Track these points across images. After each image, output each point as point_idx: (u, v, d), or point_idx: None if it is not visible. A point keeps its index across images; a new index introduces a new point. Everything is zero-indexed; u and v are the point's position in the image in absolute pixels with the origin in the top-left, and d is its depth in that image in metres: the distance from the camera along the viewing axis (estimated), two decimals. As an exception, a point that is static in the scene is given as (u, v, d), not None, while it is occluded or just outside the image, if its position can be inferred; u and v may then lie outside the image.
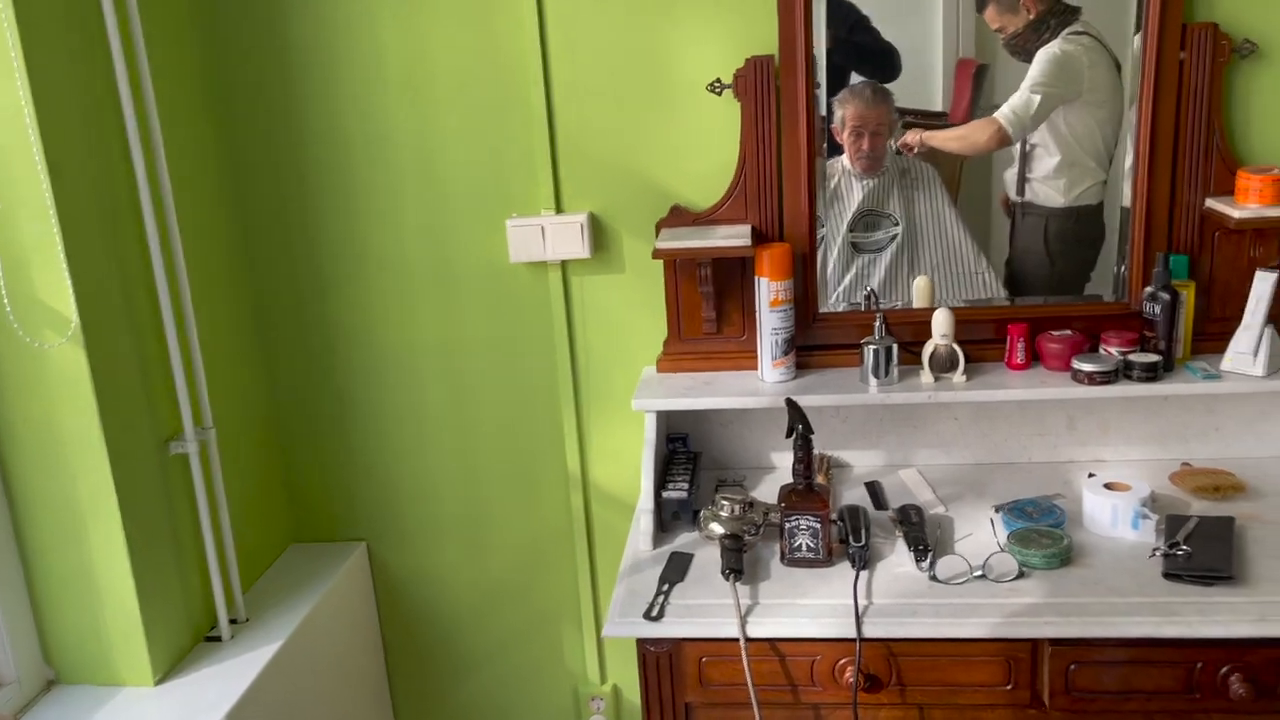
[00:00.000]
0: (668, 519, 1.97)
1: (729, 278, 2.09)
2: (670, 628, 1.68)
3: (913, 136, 2.10)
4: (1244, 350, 1.91)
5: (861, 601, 1.67)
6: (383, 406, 2.32)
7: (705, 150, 2.08)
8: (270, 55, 2.12)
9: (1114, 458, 2.11)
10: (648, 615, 1.69)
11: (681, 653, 1.71)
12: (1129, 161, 1.99)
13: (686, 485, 1.98)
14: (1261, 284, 1.90)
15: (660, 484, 1.99)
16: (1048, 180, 2.07)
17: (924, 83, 2.10)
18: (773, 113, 2.01)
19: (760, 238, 2.05)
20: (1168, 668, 1.60)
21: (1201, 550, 1.70)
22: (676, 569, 1.82)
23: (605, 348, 2.23)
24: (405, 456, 2.35)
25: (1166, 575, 1.67)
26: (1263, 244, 1.92)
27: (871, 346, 1.99)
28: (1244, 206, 1.87)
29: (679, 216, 2.09)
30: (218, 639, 2.02)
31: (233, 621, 2.06)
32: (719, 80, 2.02)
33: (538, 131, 2.11)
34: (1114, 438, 2.10)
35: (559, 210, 2.15)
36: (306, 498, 2.39)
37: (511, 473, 2.34)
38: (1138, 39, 1.93)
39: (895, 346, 1.99)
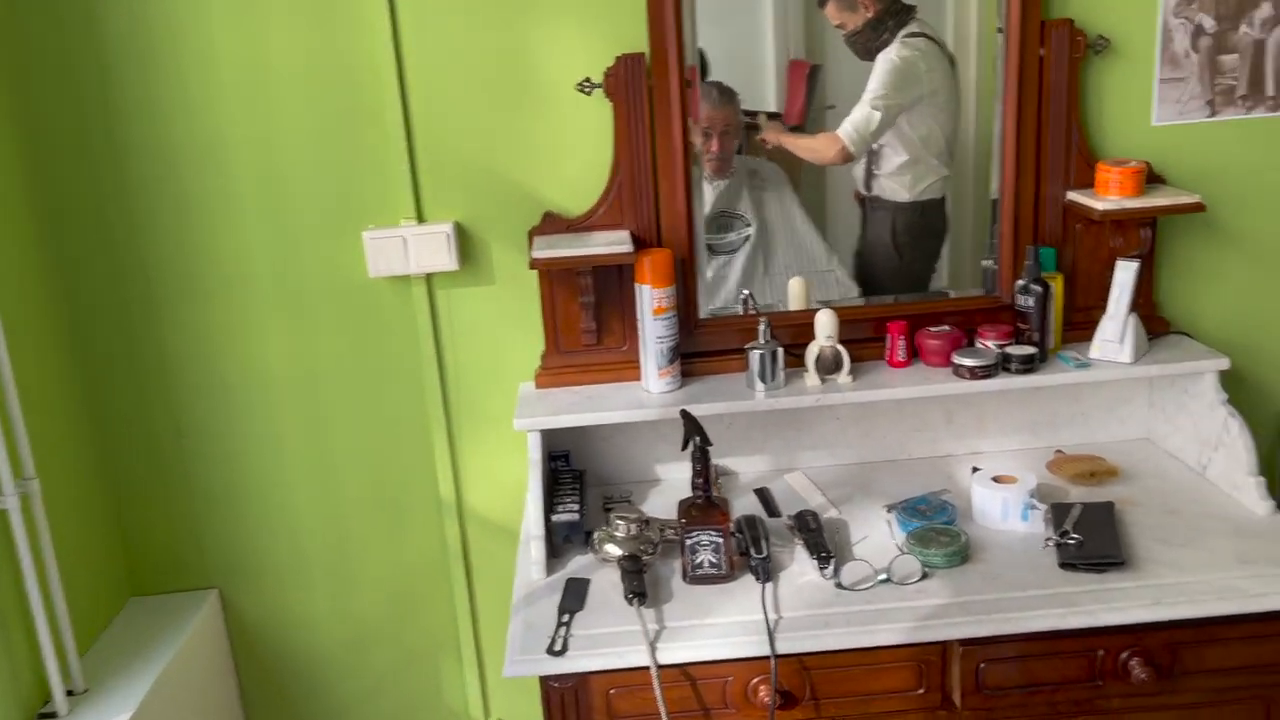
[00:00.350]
0: (559, 543, 1.87)
1: (608, 286, 2.00)
2: (576, 661, 1.58)
3: (771, 134, 2.07)
4: (1111, 338, 1.96)
5: (771, 616, 1.62)
6: (229, 440, 2.11)
7: (577, 153, 1.99)
8: (83, 57, 1.89)
9: (990, 449, 2.14)
10: (551, 650, 1.59)
11: (588, 687, 1.61)
12: (995, 158, 2.02)
13: (576, 506, 1.88)
14: (1123, 273, 1.96)
15: (547, 506, 1.88)
16: (893, 177, 2.08)
17: (756, 83, 2.08)
18: (646, 113, 1.93)
19: (638, 243, 1.97)
20: (1071, 658, 1.61)
21: (1090, 537, 1.73)
22: (574, 596, 1.72)
23: (477, 365, 2.10)
24: (258, 492, 2.15)
25: (1063, 565, 1.69)
26: (1122, 234, 1.98)
27: (757, 351, 1.94)
28: (1106, 198, 1.92)
29: (552, 223, 1.99)
30: (53, 716, 1.78)
31: (70, 694, 1.83)
32: (588, 79, 1.93)
33: (393, 136, 1.96)
34: (989, 429, 2.13)
35: (421, 220, 2.01)
36: (147, 546, 2.15)
37: (379, 503, 2.18)
38: (1000, 37, 1.96)
39: (781, 350, 1.95)
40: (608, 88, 1.93)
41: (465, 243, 2.03)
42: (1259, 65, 2.01)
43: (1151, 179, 1.99)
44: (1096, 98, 2.01)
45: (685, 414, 1.76)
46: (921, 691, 1.63)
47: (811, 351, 1.96)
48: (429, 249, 1.99)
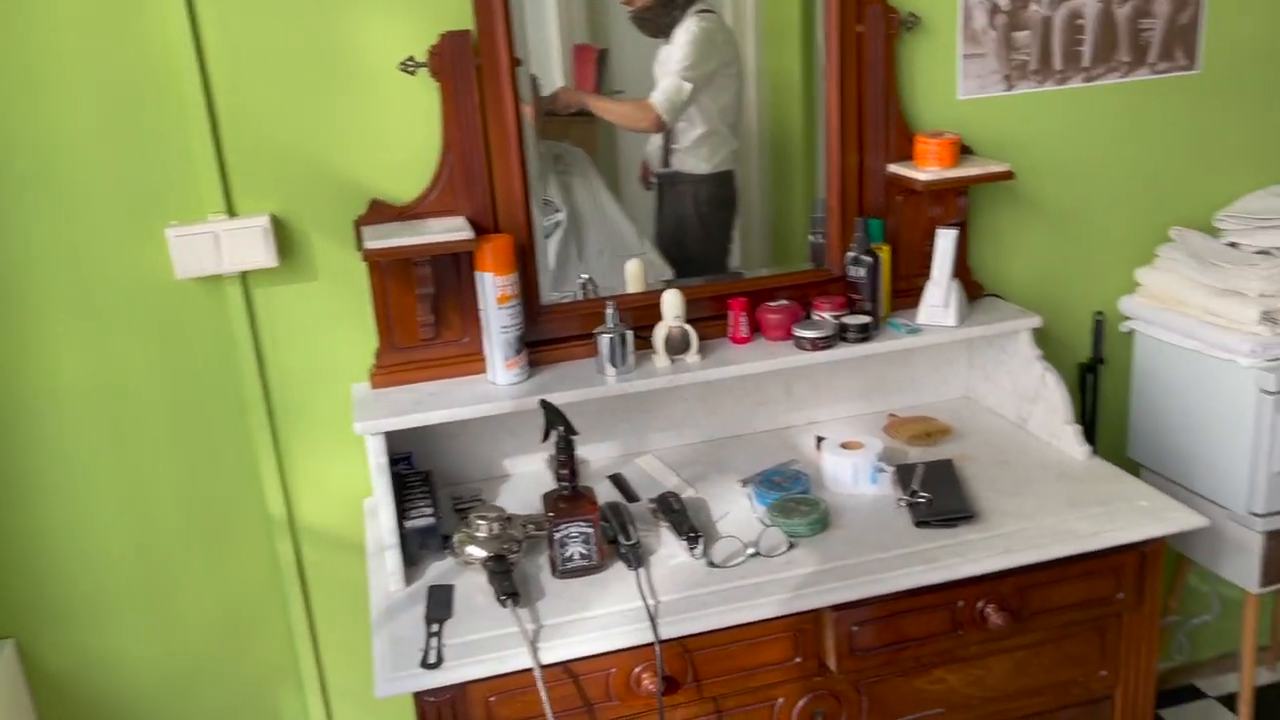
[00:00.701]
0: (414, 551, 1.76)
1: (445, 276, 1.90)
2: (455, 671, 1.49)
3: (570, 95, 2.03)
4: (937, 303, 2.05)
5: (649, 600, 1.59)
6: (17, 469, 1.87)
7: (403, 137, 1.87)
8: None
9: (827, 417, 2.19)
10: (425, 663, 1.49)
11: (466, 697, 1.53)
12: (821, 134, 2.07)
13: (430, 510, 1.78)
14: (944, 240, 2.05)
15: (399, 513, 1.77)
16: (691, 150, 2.10)
17: (543, 68, 2.04)
18: (475, 92, 1.85)
19: (474, 229, 1.89)
20: (934, 611, 1.68)
21: (938, 495, 1.80)
22: (440, 604, 1.63)
23: (303, 368, 1.95)
24: (55, 526, 1.92)
25: (918, 524, 1.75)
26: (941, 204, 2.07)
27: (607, 335, 1.90)
28: (927, 169, 2.00)
29: (381, 212, 1.87)
30: None
31: None
32: (412, 59, 1.83)
33: (195, 124, 1.79)
34: (825, 399, 2.18)
35: (233, 214, 1.84)
36: (-79, 600, 1.88)
37: (198, 527, 1.99)
38: (824, 19, 2.00)
39: (630, 333, 1.92)
40: (433, 67, 1.83)
41: (284, 237, 1.88)
42: (1048, 41, 2.15)
43: (962, 150, 2.09)
44: (909, 73, 2.09)
45: (545, 404, 1.70)
46: (798, 660, 1.65)
47: (659, 332, 1.94)
48: (243, 245, 1.83)
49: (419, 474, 1.93)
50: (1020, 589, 1.69)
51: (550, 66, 2.06)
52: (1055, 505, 1.79)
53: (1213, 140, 2.30)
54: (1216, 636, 2.64)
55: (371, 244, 1.76)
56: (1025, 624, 1.71)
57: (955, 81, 2.12)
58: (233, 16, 1.76)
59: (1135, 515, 1.74)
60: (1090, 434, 2.32)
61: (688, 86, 2.04)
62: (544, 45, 2.03)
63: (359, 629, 2.08)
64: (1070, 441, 1.96)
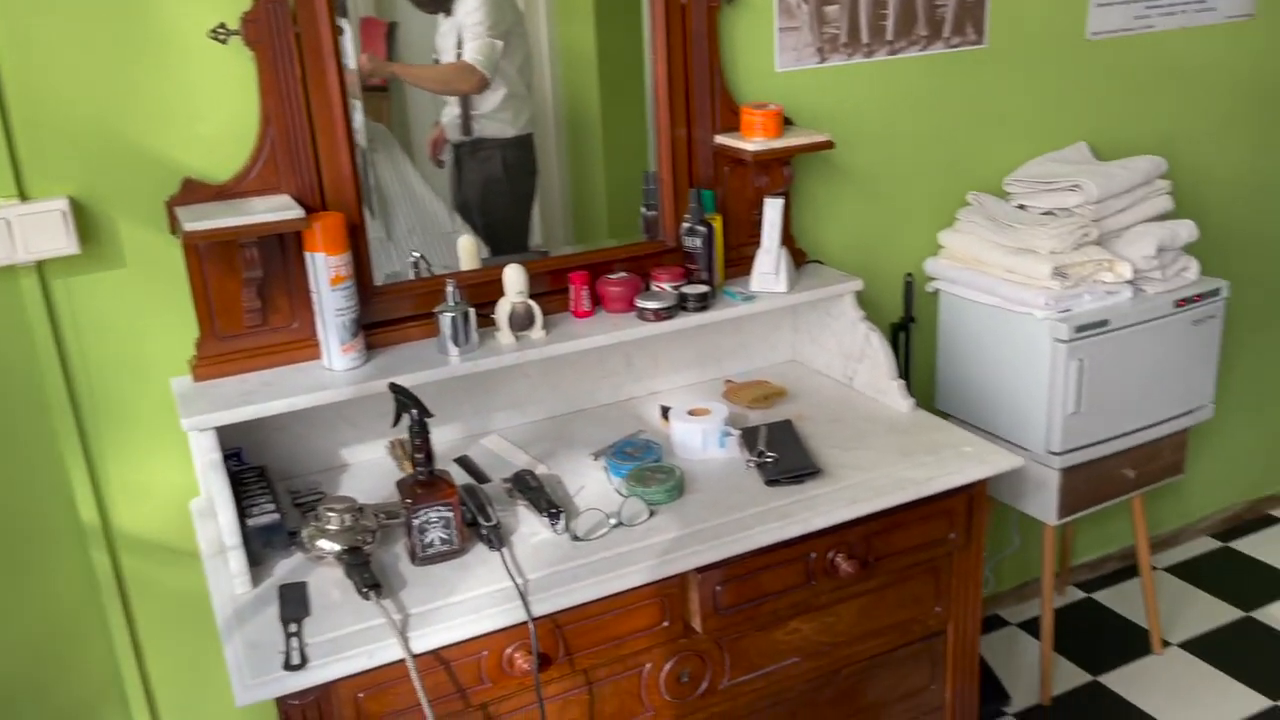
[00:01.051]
0: (257, 550, 1.66)
1: (270, 258, 1.79)
2: (323, 671, 1.42)
3: (378, 65, 1.97)
4: (768, 270, 2.12)
5: (518, 580, 1.56)
6: None
7: (217, 111, 1.75)
8: None
9: (667, 386, 2.23)
10: (289, 665, 1.41)
11: (333, 696, 1.46)
12: (650, 107, 2.08)
13: (272, 506, 1.68)
14: (772, 210, 2.11)
15: (238, 512, 1.66)
16: (495, 114, 2.09)
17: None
18: (295, 62, 1.74)
19: (302, 208, 1.78)
20: (790, 565, 1.74)
21: (784, 454, 1.87)
22: (295, 603, 1.54)
23: (114, 363, 1.80)
24: None
25: (768, 482, 1.81)
26: (767, 174, 2.13)
27: (448, 314, 1.85)
28: (754, 140, 2.06)
29: (195, 191, 1.74)
30: None
31: None
32: (223, 26, 1.70)
33: (-28, 95, 1.60)
34: (664, 368, 2.22)
35: (24, 197, 1.67)
36: None
37: (2, 542, 1.80)
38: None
39: (472, 311, 1.87)
40: (247, 35, 1.71)
41: (86, 221, 1.71)
42: (855, 15, 2.25)
43: (783, 121, 2.16)
44: (730, 47, 2.14)
45: (396, 387, 1.63)
46: (666, 625, 1.67)
47: (503, 309, 1.91)
48: (39, 231, 1.66)
49: (253, 469, 1.82)
50: (866, 537, 1.78)
51: (342, 40, 1.98)
52: (891, 456, 1.89)
53: (1001, 109, 2.48)
54: (1016, 568, 2.88)
55: (192, 225, 1.63)
56: (871, 570, 1.81)
57: (773, 54, 2.19)
58: (13, -24, 1.58)
59: (962, 460, 1.87)
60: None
61: (499, 44, 2.02)
62: None
63: (191, 640, 1.95)
64: (895, 396, 2.07)
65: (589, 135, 2.20)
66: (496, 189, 2.15)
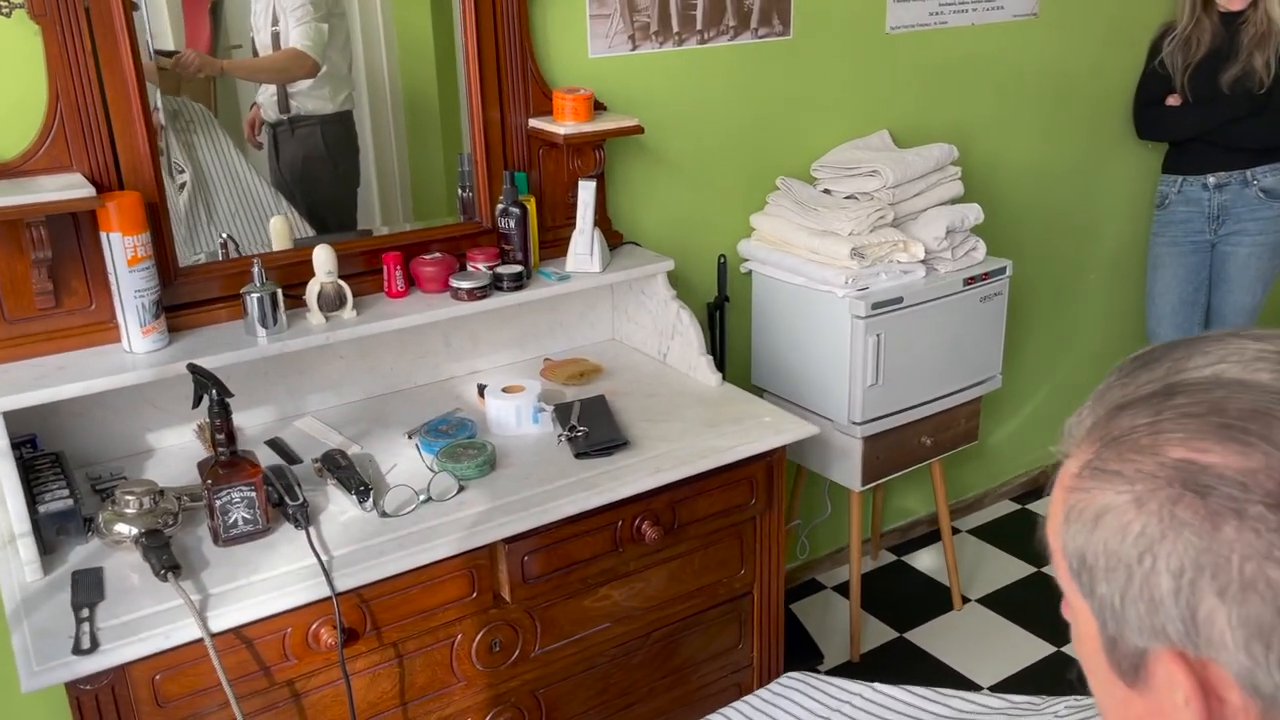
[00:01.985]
0: (50, 537, 1.62)
1: (62, 239, 1.74)
2: (113, 654, 1.40)
3: (200, 59, 1.96)
4: (582, 251, 2.18)
5: (322, 556, 1.58)
6: None
7: (2, 86, 1.69)
8: None
9: (486, 366, 2.26)
10: (78, 649, 1.39)
11: (128, 679, 1.45)
12: (462, 90, 2.11)
13: (66, 493, 1.65)
14: (585, 192, 2.17)
15: (28, 498, 1.62)
16: (313, 91, 2.10)
17: (155, 20, 1.96)
18: (86, 37, 1.70)
19: (96, 187, 1.74)
20: (597, 533, 1.81)
21: (594, 427, 1.94)
22: (89, 589, 1.52)
23: (-109, 349, 1.71)
24: None
25: (578, 455, 1.87)
26: (579, 157, 2.19)
27: (255, 295, 1.84)
28: (565, 124, 2.11)
29: (-23, 169, 1.68)
30: None
31: None
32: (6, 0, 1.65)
33: None
34: (483, 348, 2.25)
35: None
36: None
37: None
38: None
39: (279, 292, 1.87)
40: (32, 8, 1.66)
41: None
42: (665, 4, 2.33)
43: (596, 106, 2.22)
44: (544, 32, 2.18)
45: (194, 367, 1.62)
46: (475, 595, 1.72)
47: (313, 289, 1.91)
48: None
49: (47, 455, 1.77)
50: (671, 504, 1.87)
51: (160, 19, 1.94)
52: (696, 427, 1.98)
53: (808, 98, 2.61)
54: (829, 535, 3.04)
55: (-29, 204, 1.57)
56: (677, 535, 1.90)
57: (586, 41, 2.24)
58: None
59: (761, 430, 1.97)
60: (720, 365, 2.57)
61: (325, 27, 2.03)
62: None
63: (-14, 635, 1.88)
64: (704, 371, 2.17)
65: (427, 117, 2.21)
66: (317, 168, 2.16)
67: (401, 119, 2.21)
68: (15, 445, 1.76)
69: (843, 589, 2.98)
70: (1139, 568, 0.58)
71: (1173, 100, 3.05)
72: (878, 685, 1.37)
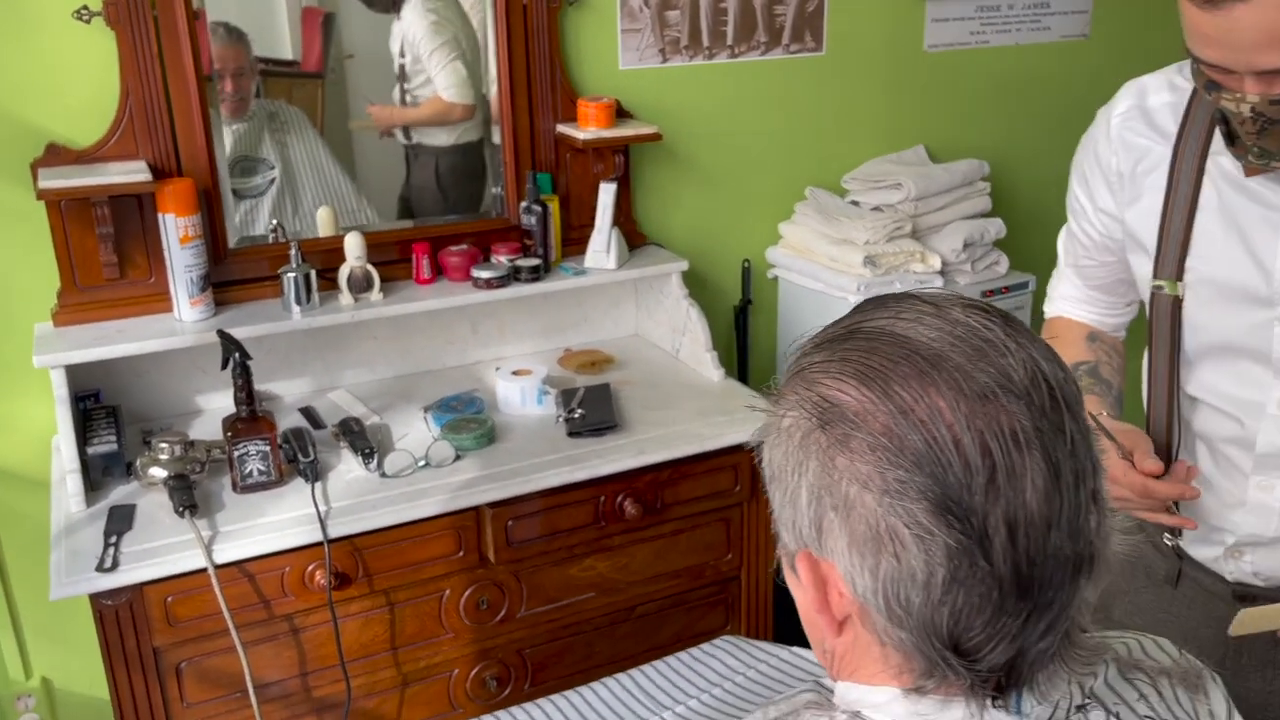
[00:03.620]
0: (98, 477, 1.86)
1: (127, 218, 1.99)
2: (129, 574, 1.62)
3: (384, 116, 2.18)
4: (599, 249, 2.33)
5: (321, 508, 1.77)
6: None
7: (81, 83, 1.94)
8: None
9: (511, 353, 2.43)
10: (101, 568, 1.61)
11: (144, 599, 1.66)
12: (493, 95, 2.29)
13: (113, 437, 1.88)
14: (605, 194, 2.32)
15: (82, 441, 1.86)
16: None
17: (271, 27, 2.18)
18: (153, 42, 1.94)
19: (158, 174, 1.98)
20: (580, 506, 1.95)
21: (591, 411, 2.08)
22: (120, 520, 1.74)
23: (-17, 308, 1.99)
24: None
25: (570, 434, 2.02)
26: (602, 161, 2.34)
27: (290, 274, 2.05)
28: (586, 130, 2.27)
29: (58, 155, 1.94)
30: None
31: None
32: (86, 8, 1.90)
33: None
34: (509, 336, 2.42)
35: (-103, 154, 1.86)
36: None
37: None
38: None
39: (313, 273, 2.08)
40: (108, 16, 1.91)
41: (-45, 178, 1.91)
42: (696, 21, 2.46)
43: (622, 114, 2.38)
44: (575, 44, 2.35)
45: (222, 333, 1.83)
46: (461, 554, 1.88)
47: (343, 272, 2.11)
48: (-89, 185, 1.85)
49: (106, 408, 2.01)
50: (653, 485, 2.00)
51: (277, 28, 2.18)
52: (688, 416, 2.11)
53: (839, 112, 2.70)
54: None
55: (46, 184, 1.83)
56: (660, 515, 2.02)
57: (616, 53, 2.40)
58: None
59: (751, 421, 2.07)
60: (744, 366, 2.69)
61: (460, 65, 2.23)
62: (271, 4, 2.14)
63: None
64: (709, 366, 2.29)
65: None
66: (429, 193, 2.34)
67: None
68: (80, 398, 2.02)
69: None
70: (791, 480, 0.70)
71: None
72: (795, 649, 1.48)
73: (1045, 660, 0.68)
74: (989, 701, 0.69)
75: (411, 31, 2.25)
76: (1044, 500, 0.65)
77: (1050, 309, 1.55)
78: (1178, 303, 1.25)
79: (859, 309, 0.75)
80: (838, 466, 0.67)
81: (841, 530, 0.67)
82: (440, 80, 2.25)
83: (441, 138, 2.32)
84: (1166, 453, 1.28)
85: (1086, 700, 0.74)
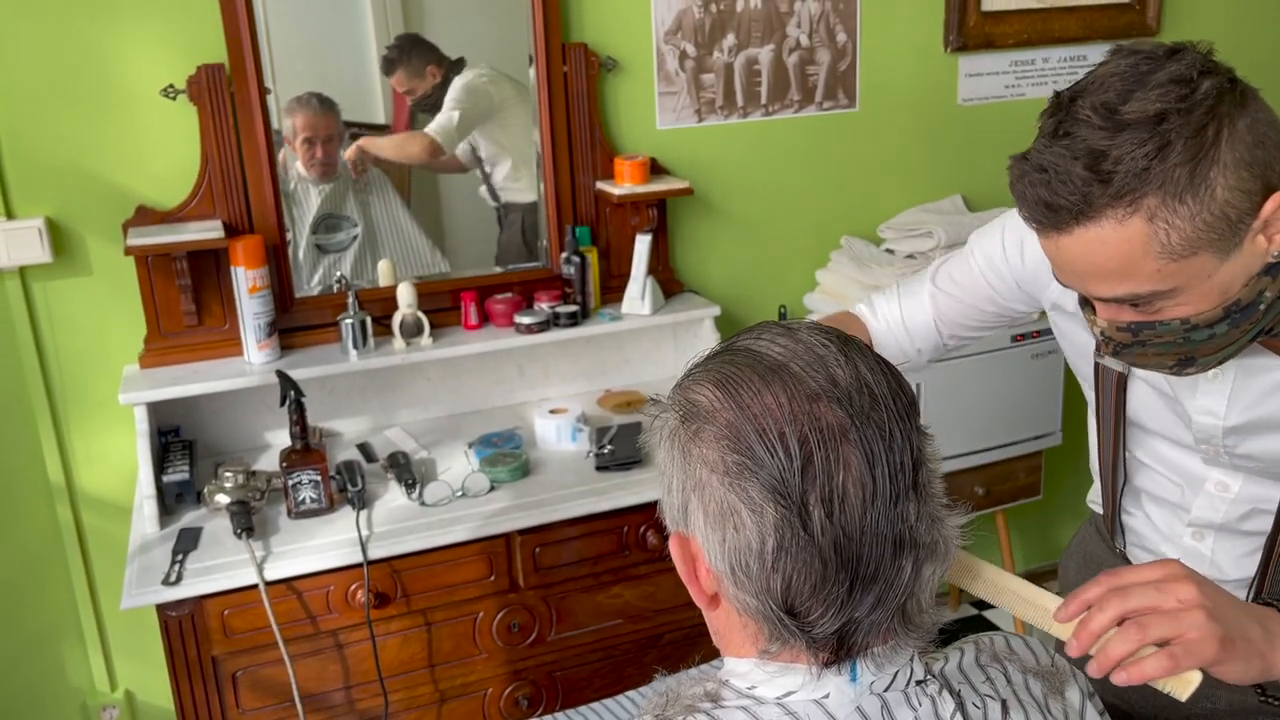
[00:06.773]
0: (171, 503, 2.07)
1: (205, 271, 2.22)
2: (189, 588, 1.81)
3: (352, 152, 2.40)
4: (635, 296, 2.48)
5: (364, 532, 1.94)
6: None
7: (166, 152, 2.19)
8: None
9: (556, 394, 2.59)
10: (166, 582, 1.80)
11: (203, 611, 1.85)
12: (534, 155, 2.48)
13: (186, 467, 2.09)
14: (640, 245, 2.48)
15: (159, 471, 2.07)
16: (509, 182, 2.49)
17: (366, 97, 2.41)
18: (229, 117, 2.18)
19: (232, 231, 2.21)
20: (605, 535, 2.08)
21: (620, 447, 2.22)
22: (188, 541, 1.94)
23: (80, 352, 2.23)
24: None
25: (598, 468, 2.16)
26: (637, 214, 2.50)
27: (348, 320, 2.25)
28: (622, 185, 2.43)
29: (146, 216, 2.18)
30: None
31: None
32: (172, 86, 2.15)
33: (-24, 137, 2.07)
34: (554, 378, 2.58)
35: (10, 216, 2.12)
36: None
37: (-17, 495, 2.24)
38: (531, 59, 2.42)
39: (369, 319, 2.27)
40: (191, 93, 2.15)
41: (59, 237, 2.16)
42: (730, 82, 2.62)
43: (658, 170, 2.54)
44: (614, 106, 2.52)
45: (280, 373, 2.03)
46: (493, 578, 2.02)
47: (396, 319, 2.30)
48: (20, 243, 2.11)
49: (184, 442, 2.23)
50: (675, 517, 2.11)
51: (373, 97, 2.42)
52: (713, 453, 2.22)
53: (873, 166, 2.81)
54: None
55: (133, 241, 2.07)
56: (681, 546, 2.13)
57: (654, 114, 2.56)
58: (5, 44, 2.05)
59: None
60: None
61: (455, 115, 2.43)
62: (366, 80, 2.38)
63: (134, 584, 2.35)
64: (739, 406, 2.40)
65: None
66: (517, 249, 2.53)
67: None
68: (161, 433, 2.25)
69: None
70: (666, 470, 0.83)
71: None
72: None
73: (879, 632, 0.78)
74: (826, 669, 0.79)
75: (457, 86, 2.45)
76: (858, 485, 0.76)
77: (856, 309, 1.55)
78: (1123, 377, 1.25)
79: (735, 335, 0.88)
80: (693, 455, 0.80)
81: (698, 509, 0.80)
82: (435, 120, 2.44)
83: (528, 195, 2.51)
84: (1113, 502, 1.35)
85: (928, 676, 0.84)
